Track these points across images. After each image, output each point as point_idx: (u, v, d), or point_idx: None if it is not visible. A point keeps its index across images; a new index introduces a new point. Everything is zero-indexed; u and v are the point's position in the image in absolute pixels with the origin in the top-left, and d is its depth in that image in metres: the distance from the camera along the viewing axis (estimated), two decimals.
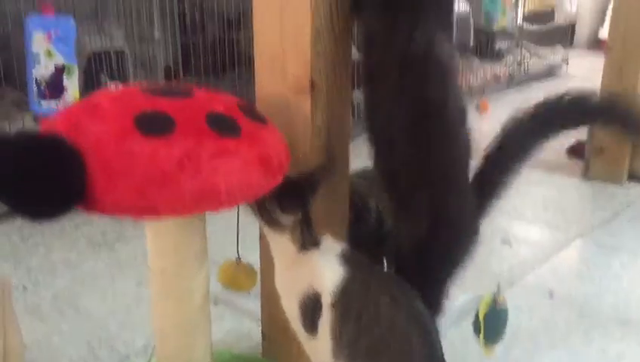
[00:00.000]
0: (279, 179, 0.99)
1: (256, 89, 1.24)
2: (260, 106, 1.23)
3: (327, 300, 0.98)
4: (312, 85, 1.14)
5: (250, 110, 1.03)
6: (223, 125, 0.94)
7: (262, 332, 1.36)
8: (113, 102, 0.92)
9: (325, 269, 1.01)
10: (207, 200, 0.88)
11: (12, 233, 2.00)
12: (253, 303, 1.52)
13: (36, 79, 1.96)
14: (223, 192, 0.89)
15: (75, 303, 1.60)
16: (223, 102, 1.01)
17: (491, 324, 0.98)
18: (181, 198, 0.86)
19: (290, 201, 1.01)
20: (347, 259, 1.02)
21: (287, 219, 1.01)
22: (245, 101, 1.06)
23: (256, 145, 0.96)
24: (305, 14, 1.11)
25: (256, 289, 1.45)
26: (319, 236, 1.04)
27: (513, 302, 1.55)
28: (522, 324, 1.53)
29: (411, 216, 1.15)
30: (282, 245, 1.03)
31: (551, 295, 1.66)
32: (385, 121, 1.13)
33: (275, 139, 1.02)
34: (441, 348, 0.97)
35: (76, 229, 2.03)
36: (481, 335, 0.98)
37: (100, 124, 0.88)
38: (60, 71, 1.99)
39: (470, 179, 1.21)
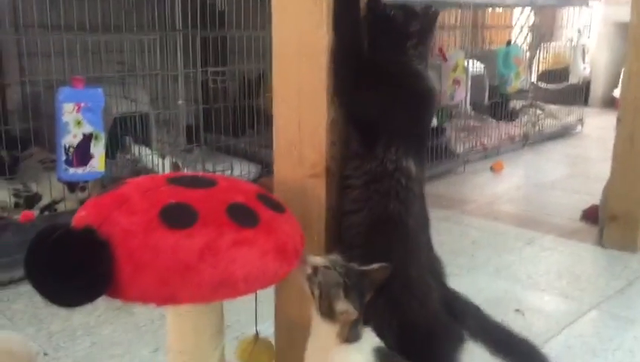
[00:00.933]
0: (294, 265, 1.04)
1: (274, 171, 1.30)
2: (277, 188, 1.29)
3: None
4: (327, 171, 1.20)
5: (268, 199, 1.09)
6: (242, 215, 1.00)
7: None
8: (140, 193, 0.99)
9: None
10: (225, 288, 0.93)
11: (34, 295, 2.05)
12: None
13: (64, 147, 2.05)
14: (241, 281, 0.94)
15: None
16: (243, 191, 1.07)
17: None
18: (201, 288, 0.91)
19: (354, 291, 1.04)
20: (382, 355, 1.05)
21: (344, 307, 1.03)
22: (264, 189, 1.13)
23: (273, 233, 1.01)
24: (321, 106, 1.18)
25: None
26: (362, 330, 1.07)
27: None
28: None
29: (377, 317, 1.19)
30: (325, 331, 1.05)
31: None
32: (347, 223, 1.20)
33: (292, 226, 1.08)
34: None
35: None
36: None
37: (128, 216, 0.94)
38: (87, 138, 2.08)
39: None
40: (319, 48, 1.16)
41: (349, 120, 1.20)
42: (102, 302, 2.02)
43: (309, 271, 1.04)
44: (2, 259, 2.14)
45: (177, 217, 0.95)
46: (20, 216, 2.26)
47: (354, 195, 1.19)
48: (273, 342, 1.34)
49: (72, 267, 0.87)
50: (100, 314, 1.95)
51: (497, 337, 1.28)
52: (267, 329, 1.38)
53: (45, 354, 1.71)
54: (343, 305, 1.01)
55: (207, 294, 0.92)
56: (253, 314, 1.26)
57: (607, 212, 2.58)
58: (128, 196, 0.99)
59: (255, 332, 1.24)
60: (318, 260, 1.05)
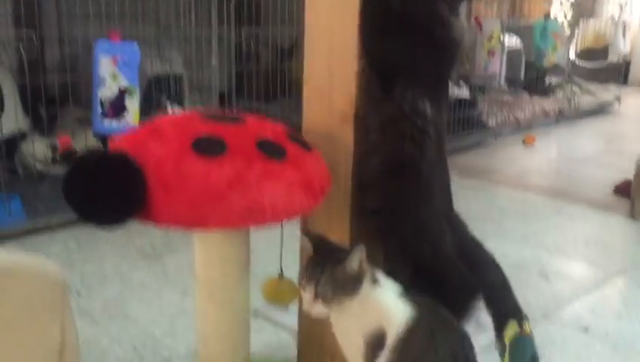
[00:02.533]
0: (320, 201, 1.07)
1: (303, 118, 1.32)
2: (306, 135, 1.31)
3: (390, 341, 1.02)
4: (356, 117, 1.22)
5: (296, 137, 1.12)
6: (270, 150, 1.03)
7: (297, 347, 1.42)
8: (174, 127, 1.02)
9: (396, 311, 1.04)
10: (252, 216, 0.96)
11: (69, 240, 2.15)
12: (290, 318, 1.59)
13: (100, 100, 2.11)
14: (268, 210, 0.97)
15: (123, 310, 1.71)
16: (271, 128, 1.10)
17: (515, 351, 1.01)
18: (229, 214, 0.95)
19: None
20: (413, 300, 1.06)
21: None
22: (292, 129, 1.15)
23: (301, 169, 1.04)
24: (352, 54, 1.20)
25: (294, 304, 1.52)
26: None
27: (546, 335, 1.57)
28: (554, 358, 1.54)
29: (389, 260, 1.20)
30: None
31: (585, 330, 1.67)
32: (363, 162, 1.21)
33: (319, 164, 1.10)
34: None
35: (128, 240, 2.15)
36: (506, 359, 1.01)
37: (161, 145, 0.98)
38: (122, 92, 2.14)
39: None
40: None
41: (371, 64, 1.21)
42: (133, 249, 2.10)
43: None
44: (40, 207, 2.23)
45: (208, 147, 0.98)
46: (59, 143, 2.33)
47: (371, 138, 1.21)
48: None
49: (108, 188, 0.91)
50: (130, 261, 2.01)
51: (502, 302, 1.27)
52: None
53: (78, 293, 1.78)
54: None
55: (235, 220, 0.95)
56: (275, 261, 1.29)
57: (639, 185, 2.54)
58: (162, 128, 1.02)
59: (280, 271, 1.27)
60: None
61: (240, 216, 0.95)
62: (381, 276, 1.09)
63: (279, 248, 1.33)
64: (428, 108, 1.19)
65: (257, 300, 1.69)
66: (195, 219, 0.94)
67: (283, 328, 1.62)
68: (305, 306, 1.02)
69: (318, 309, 1.01)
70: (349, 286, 1.01)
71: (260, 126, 1.11)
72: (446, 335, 1.03)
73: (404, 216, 1.22)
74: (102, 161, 0.94)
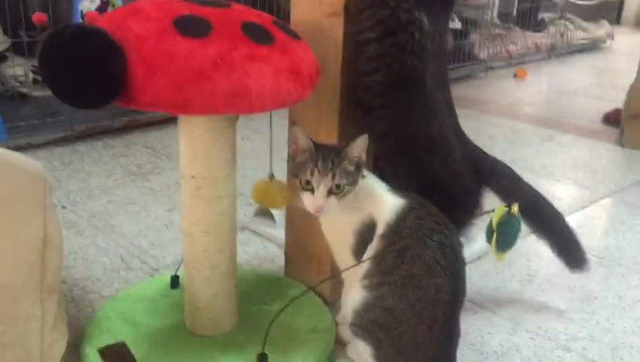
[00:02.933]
0: (309, 91, 1.03)
1: (291, 13, 1.27)
2: (294, 29, 1.26)
3: (380, 230, 1.02)
4: (346, 10, 1.17)
5: (284, 26, 1.07)
6: (257, 34, 0.98)
7: (285, 255, 1.42)
8: (155, 7, 0.97)
9: (386, 201, 1.04)
10: (238, 100, 0.93)
11: (53, 159, 2.11)
12: (277, 231, 1.58)
13: (81, 12, 2.03)
14: (254, 94, 0.94)
15: (110, 222, 1.69)
16: (258, 15, 1.05)
17: (504, 232, 1.01)
18: (214, 96, 0.91)
19: None
20: (402, 194, 1.05)
21: None
22: (280, 19, 1.10)
23: (288, 55, 1.00)
24: None
25: (281, 218, 1.51)
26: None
27: (533, 249, 1.58)
28: (540, 270, 1.55)
29: (397, 177, 1.18)
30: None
31: None
32: (365, 84, 1.17)
33: (307, 53, 1.06)
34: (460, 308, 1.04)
35: (113, 159, 2.11)
36: (494, 243, 1.01)
37: (142, 24, 0.93)
38: (105, 5, 2.06)
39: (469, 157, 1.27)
40: None
41: None
42: (119, 168, 2.06)
43: None
44: (22, 126, 2.19)
45: (191, 27, 0.93)
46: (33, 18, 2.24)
47: (369, 52, 1.16)
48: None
49: (86, 64, 0.87)
50: (116, 178, 1.98)
51: (524, 200, 1.25)
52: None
53: (63, 208, 1.76)
54: None
55: (220, 104, 0.91)
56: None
57: (630, 111, 2.52)
58: (142, 7, 0.97)
59: (270, 173, 1.24)
60: None
61: (225, 100, 0.91)
62: (367, 172, 1.08)
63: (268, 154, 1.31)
64: (425, 20, 1.15)
65: (245, 215, 1.69)
66: (178, 102, 0.90)
67: (269, 241, 1.61)
68: (314, 204, 1.00)
69: (330, 205, 1.00)
70: (355, 176, 1.01)
71: (246, 11, 1.06)
72: (434, 228, 1.02)
73: (414, 135, 1.20)
74: (80, 32, 0.89)
